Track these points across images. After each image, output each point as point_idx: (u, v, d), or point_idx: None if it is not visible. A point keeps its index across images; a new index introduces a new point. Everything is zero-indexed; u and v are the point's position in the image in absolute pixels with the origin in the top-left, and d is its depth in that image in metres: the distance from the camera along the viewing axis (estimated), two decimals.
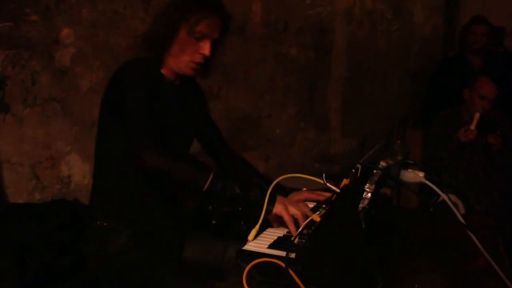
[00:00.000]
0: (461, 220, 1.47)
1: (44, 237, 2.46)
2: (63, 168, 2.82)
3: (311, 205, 1.84)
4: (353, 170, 1.48)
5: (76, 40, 2.79)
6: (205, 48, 1.83)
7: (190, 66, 1.86)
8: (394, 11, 4.80)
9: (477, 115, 3.44)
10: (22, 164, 2.67)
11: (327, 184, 1.46)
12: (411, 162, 1.70)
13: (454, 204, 1.61)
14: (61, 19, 2.73)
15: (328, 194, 1.84)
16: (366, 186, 1.30)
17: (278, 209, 1.68)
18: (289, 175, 1.69)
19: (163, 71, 1.90)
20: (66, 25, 2.75)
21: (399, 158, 1.54)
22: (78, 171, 2.87)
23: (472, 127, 3.42)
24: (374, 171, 1.38)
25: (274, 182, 1.73)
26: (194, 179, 1.71)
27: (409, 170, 1.56)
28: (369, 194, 1.29)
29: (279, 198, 1.71)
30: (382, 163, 1.41)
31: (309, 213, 1.68)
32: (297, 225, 1.65)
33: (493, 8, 5.06)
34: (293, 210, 1.68)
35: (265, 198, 1.67)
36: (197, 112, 2.05)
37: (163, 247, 1.82)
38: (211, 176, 1.68)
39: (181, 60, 1.85)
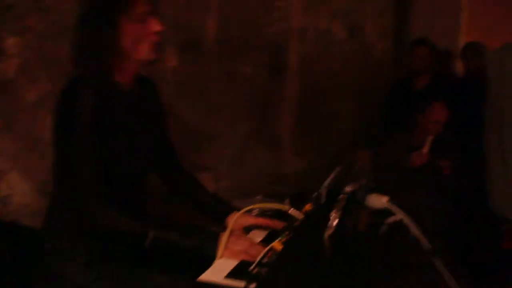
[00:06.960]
0: (427, 245, 1.43)
1: None
2: (2, 187, 2.65)
3: (263, 233, 1.74)
4: (316, 194, 1.42)
5: (22, 51, 2.64)
6: (155, 24, 1.72)
7: (151, 50, 1.74)
8: (348, 31, 4.83)
9: (430, 138, 3.47)
10: None
11: (291, 209, 1.39)
12: (373, 186, 1.66)
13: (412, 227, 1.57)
14: (7, 28, 2.58)
15: (277, 223, 1.69)
16: (332, 212, 1.24)
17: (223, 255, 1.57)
18: (250, 206, 1.61)
19: (117, 77, 1.75)
20: (11, 35, 2.60)
21: (363, 182, 1.50)
22: (18, 190, 2.70)
23: (425, 150, 3.45)
24: (340, 196, 1.32)
25: (235, 217, 1.64)
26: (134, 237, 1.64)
27: (373, 194, 1.51)
28: (335, 221, 1.23)
29: (222, 242, 1.59)
30: (348, 188, 1.35)
31: (258, 248, 1.54)
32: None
33: (440, 31, 5.19)
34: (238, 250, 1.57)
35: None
36: (155, 118, 1.96)
37: (123, 272, 1.68)
38: (151, 235, 1.60)
39: (140, 50, 1.73)
